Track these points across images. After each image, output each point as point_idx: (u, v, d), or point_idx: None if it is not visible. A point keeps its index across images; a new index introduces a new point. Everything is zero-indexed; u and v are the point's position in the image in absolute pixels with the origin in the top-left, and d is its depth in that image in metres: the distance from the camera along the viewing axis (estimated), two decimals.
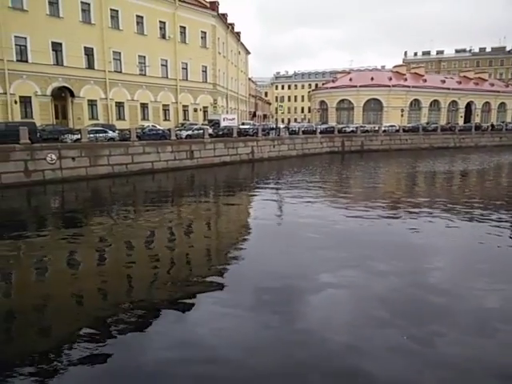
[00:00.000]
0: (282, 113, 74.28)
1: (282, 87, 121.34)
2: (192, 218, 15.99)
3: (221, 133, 34.19)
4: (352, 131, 47.40)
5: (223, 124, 37.00)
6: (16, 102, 29.77)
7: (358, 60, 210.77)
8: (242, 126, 39.73)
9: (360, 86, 60.82)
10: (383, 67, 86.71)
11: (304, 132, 42.18)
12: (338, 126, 48.48)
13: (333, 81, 70.33)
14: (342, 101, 62.99)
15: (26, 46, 29.94)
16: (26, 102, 30.49)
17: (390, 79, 62.60)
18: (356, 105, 61.50)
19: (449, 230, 12.87)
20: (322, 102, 66.10)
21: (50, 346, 6.51)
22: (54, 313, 7.83)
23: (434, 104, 64.19)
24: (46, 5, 30.69)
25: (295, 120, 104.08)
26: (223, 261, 10.60)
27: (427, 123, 57.84)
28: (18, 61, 29.54)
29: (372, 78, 62.33)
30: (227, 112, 48.73)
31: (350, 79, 64.21)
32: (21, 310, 7.95)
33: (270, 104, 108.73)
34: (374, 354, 6.06)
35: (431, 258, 10.53)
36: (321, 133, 43.92)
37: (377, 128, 49.72)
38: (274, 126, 42.58)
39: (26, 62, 30.09)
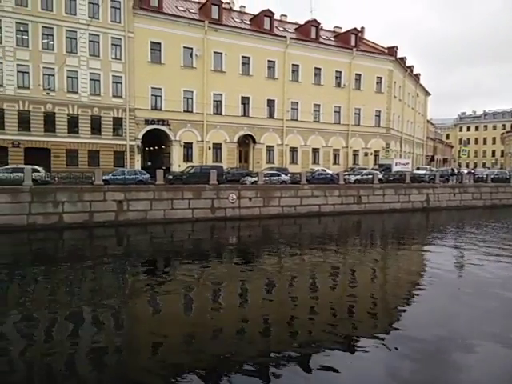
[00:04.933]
0: (467, 157, 66.25)
1: (468, 129, 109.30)
2: (356, 264, 15.45)
3: (392, 178, 32.65)
4: None
5: (395, 169, 35.35)
6: (210, 148, 35.15)
7: None
8: (416, 171, 37.18)
9: None
10: None
11: (494, 179, 36.58)
12: None
13: None
14: None
15: (221, 102, 35.45)
16: (217, 148, 35.71)
17: None
18: None
19: None
20: None
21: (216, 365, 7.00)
22: (222, 336, 8.47)
23: None
24: (240, 66, 35.96)
25: (483, 165, 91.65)
26: (385, 313, 9.95)
27: None
28: (214, 114, 35.13)
29: None
30: (400, 156, 46.44)
31: None
32: (200, 325, 8.90)
33: (451, 147, 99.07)
34: None
35: None
36: None
37: None
38: (455, 172, 38.34)
39: (220, 114, 35.47)
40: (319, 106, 40.05)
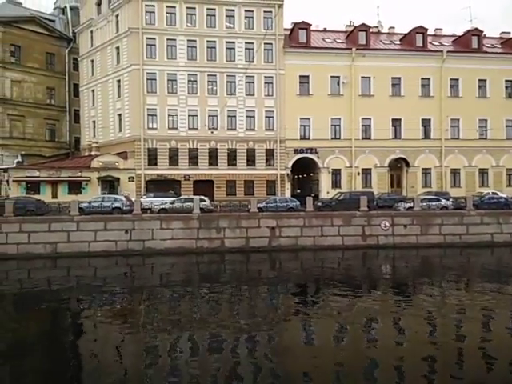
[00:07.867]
0: None
1: None
2: None
3: None
4: None
5: None
6: (358, 174, 34.31)
7: None
8: None
9: None
10: None
11: None
12: None
13: None
14: None
15: (370, 126, 34.51)
16: (366, 173, 34.60)
17: None
18: None
19: None
20: None
21: None
22: (374, 373, 7.84)
23: None
24: (389, 88, 34.58)
25: None
26: None
27: None
28: (362, 138, 34.35)
29: None
30: None
31: None
32: (351, 358, 8.46)
33: None
34: None
35: None
36: None
37: None
38: None
39: (369, 139, 34.47)
40: (486, 121, 35.33)
